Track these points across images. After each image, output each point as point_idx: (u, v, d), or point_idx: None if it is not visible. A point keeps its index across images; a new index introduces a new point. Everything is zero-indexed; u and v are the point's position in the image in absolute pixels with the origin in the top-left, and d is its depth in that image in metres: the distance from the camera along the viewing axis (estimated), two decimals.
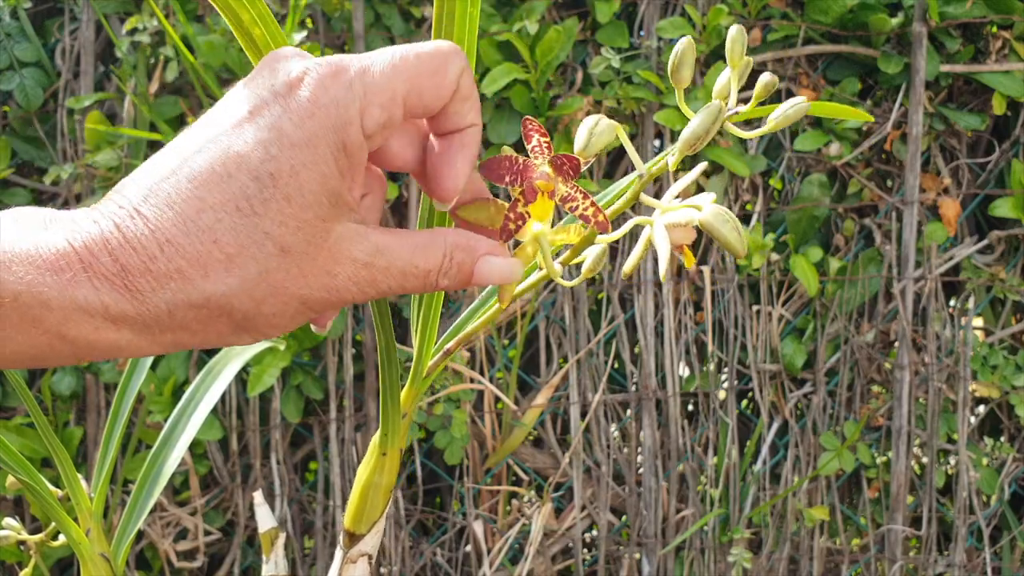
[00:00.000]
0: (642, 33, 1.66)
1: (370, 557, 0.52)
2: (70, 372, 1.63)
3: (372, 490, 0.50)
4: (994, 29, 1.65)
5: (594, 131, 0.39)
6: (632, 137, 1.65)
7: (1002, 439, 1.77)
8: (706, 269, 1.65)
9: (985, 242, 1.70)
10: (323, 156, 0.34)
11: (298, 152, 0.33)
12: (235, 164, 0.33)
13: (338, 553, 0.52)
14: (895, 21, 1.60)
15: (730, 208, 1.66)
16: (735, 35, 0.41)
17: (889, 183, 1.72)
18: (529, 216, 0.40)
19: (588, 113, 1.59)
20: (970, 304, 1.70)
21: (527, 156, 0.40)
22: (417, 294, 0.44)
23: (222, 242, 0.33)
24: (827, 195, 1.66)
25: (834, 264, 1.66)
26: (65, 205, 1.69)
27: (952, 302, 1.74)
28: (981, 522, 1.71)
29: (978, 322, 1.75)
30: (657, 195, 1.66)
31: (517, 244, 0.42)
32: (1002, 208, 1.65)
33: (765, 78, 0.41)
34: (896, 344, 1.68)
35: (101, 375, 1.64)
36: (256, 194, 0.33)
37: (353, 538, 0.52)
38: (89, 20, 1.67)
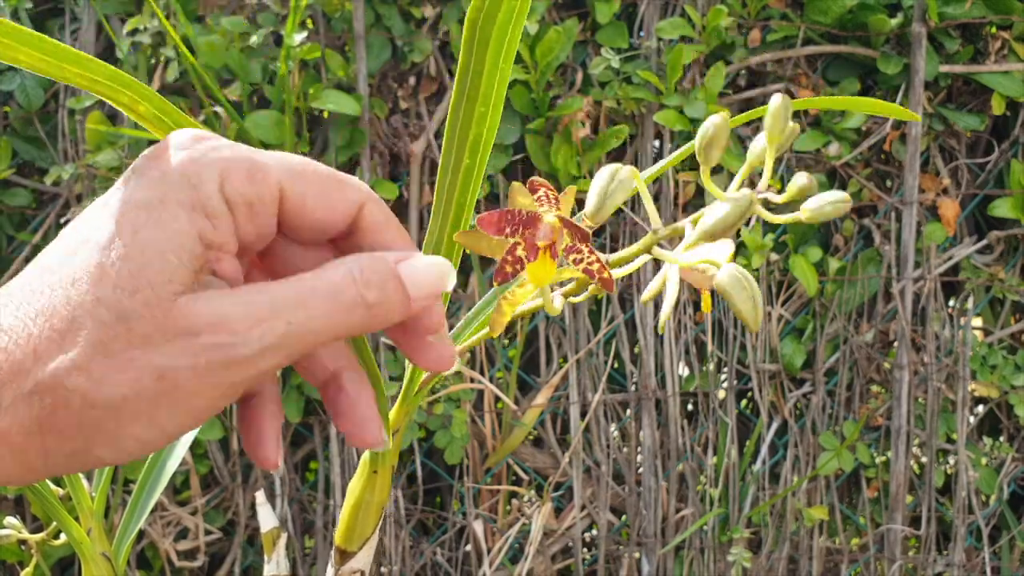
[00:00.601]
0: (642, 34, 1.66)
1: (362, 573, 0.51)
2: None
3: (363, 508, 0.50)
4: (993, 30, 1.66)
5: (608, 190, 0.36)
6: (632, 138, 1.66)
7: (1001, 439, 1.78)
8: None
9: (984, 242, 1.70)
10: (172, 214, 0.30)
11: (142, 211, 0.29)
12: (81, 241, 0.30)
13: (330, 570, 0.52)
14: (894, 21, 1.60)
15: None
16: (778, 107, 0.37)
17: (888, 183, 1.72)
18: (528, 262, 0.37)
19: (588, 114, 1.60)
20: (969, 304, 1.70)
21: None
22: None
23: (54, 320, 0.29)
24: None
25: (833, 264, 1.66)
26: (66, 205, 1.69)
27: (951, 302, 1.74)
28: (980, 522, 1.71)
29: (977, 322, 1.75)
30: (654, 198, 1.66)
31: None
32: (1001, 208, 1.65)
33: (801, 182, 0.37)
34: (895, 344, 1.69)
35: None
36: (95, 263, 0.29)
37: (344, 555, 0.51)
38: (90, 21, 1.67)
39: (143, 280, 0.29)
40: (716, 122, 0.38)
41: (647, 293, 0.42)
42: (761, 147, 0.38)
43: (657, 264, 0.43)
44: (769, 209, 0.40)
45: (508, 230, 0.37)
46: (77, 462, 0.30)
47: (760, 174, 0.38)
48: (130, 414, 0.29)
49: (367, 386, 0.37)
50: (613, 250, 1.55)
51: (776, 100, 0.37)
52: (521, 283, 0.40)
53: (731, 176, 1.65)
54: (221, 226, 0.31)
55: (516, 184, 0.38)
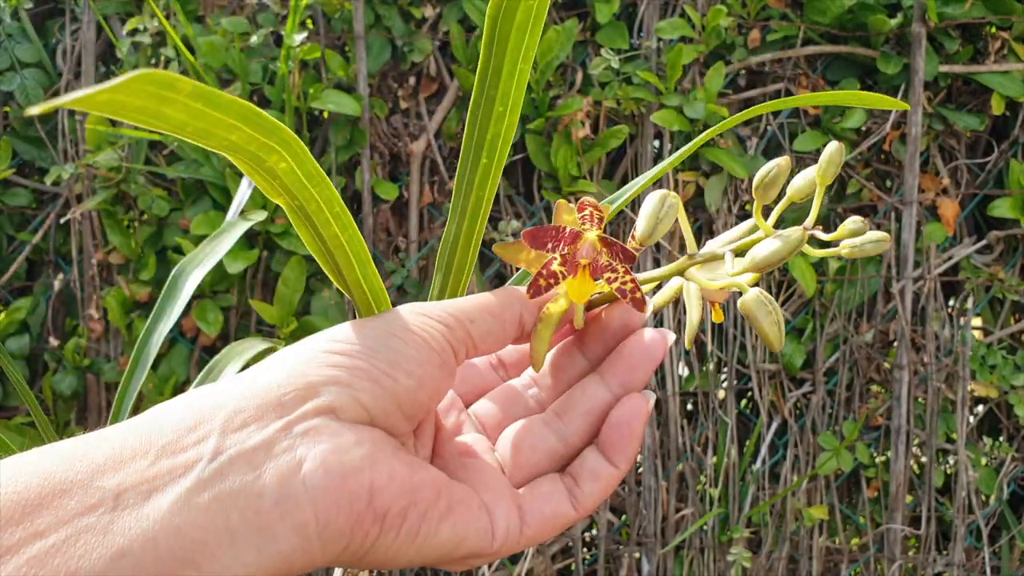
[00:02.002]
0: (642, 34, 1.66)
1: (369, 571, 0.51)
2: (71, 372, 1.64)
3: None
4: (993, 30, 1.66)
5: (660, 216, 0.38)
6: (631, 138, 1.66)
7: (1001, 439, 1.78)
8: None
9: (984, 242, 1.70)
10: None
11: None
12: None
13: (338, 571, 0.52)
14: (894, 22, 1.61)
15: (730, 209, 1.67)
16: (832, 154, 0.39)
17: (888, 183, 1.72)
18: (564, 278, 0.39)
19: (588, 114, 1.60)
20: (969, 304, 1.70)
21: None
22: None
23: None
24: (826, 195, 1.66)
25: (833, 264, 1.66)
26: (66, 205, 1.69)
27: (951, 302, 1.74)
28: (980, 521, 1.71)
29: (977, 322, 1.75)
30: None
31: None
32: (1001, 208, 1.65)
33: (853, 226, 0.39)
34: (895, 344, 1.69)
35: (102, 375, 1.65)
36: None
37: None
38: (90, 21, 1.67)
39: None
40: (780, 164, 0.40)
41: (654, 305, 0.42)
42: (807, 183, 0.39)
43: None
44: (813, 244, 0.41)
45: (550, 245, 0.38)
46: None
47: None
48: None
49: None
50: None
51: (833, 147, 0.39)
52: (554, 299, 0.41)
53: (730, 176, 1.65)
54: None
55: (562, 201, 0.40)
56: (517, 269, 0.45)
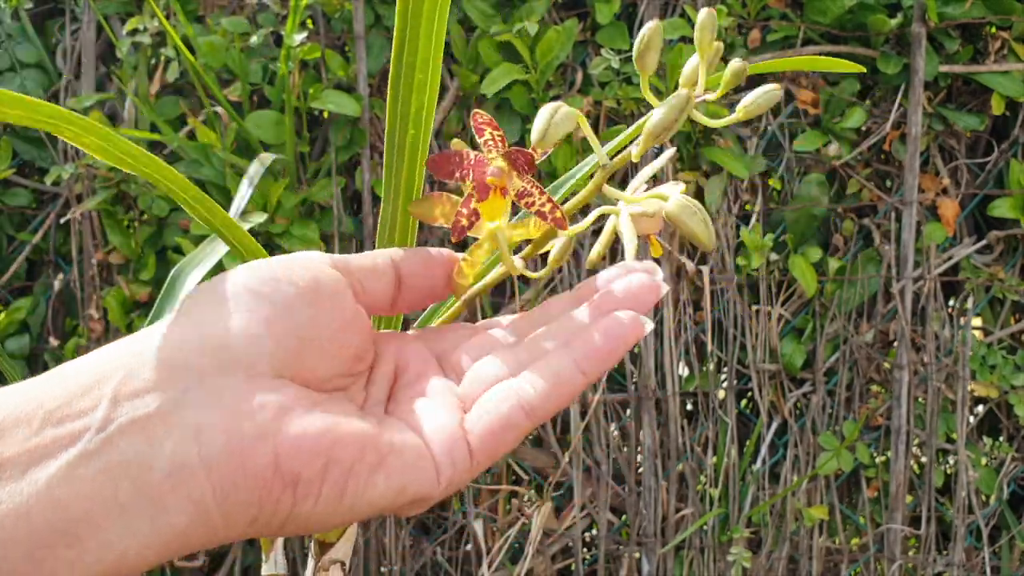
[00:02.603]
0: None
1: (343, 564, 0.51)
2: None
3: None
4: (993, 30, 1.66)
5: (552, 120, 0.37)
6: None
7: (1001, 439, 1.78)
8: (705, 269, 1.65)
9: (984, 242, 1.70)
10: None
11: None
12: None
13: (310, 563, 0.52)
14: (894, 22, 1.61)
15: (730, 209, 1.66)
16: (704, 20, 0.39)
17: (888, 183, 1.72)
18: (481, 201, 0.38)
19: (588, 114, 1.60)
20: (969, 304, 1.70)
21: (478, 150, 0.38)
22: None
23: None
24: (826, 195, 1.66)
25: (833, 264, 1.66)
26: (66, 205, 1.69)
27: (951, 302, 1.74)
28: (980, 521, 1.71)
29: (977, 322, 1.75)
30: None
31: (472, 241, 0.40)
32: (1001, 208, 1.65)
33: (735, 65, 0.39)
34: (895, 344, 1.69)
35: None
36: None
37: (323, 546, 0.51)
38: (90, 21, 1.67)
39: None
40: (651, 26, 0.39)
41: (594, 252, 0.42)
42: (696, 61, 0.39)
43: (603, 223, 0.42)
44: (710, 116, 0.41)
45: (458, 173, 0.37)
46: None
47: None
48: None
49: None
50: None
51: (703, 13, 0.39)
52: (478, 244, 0.40)
53: (730, 176, 1.65)
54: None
55: (456, 140, 0.39)
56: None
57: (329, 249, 1.60)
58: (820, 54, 1.67)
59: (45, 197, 1.74)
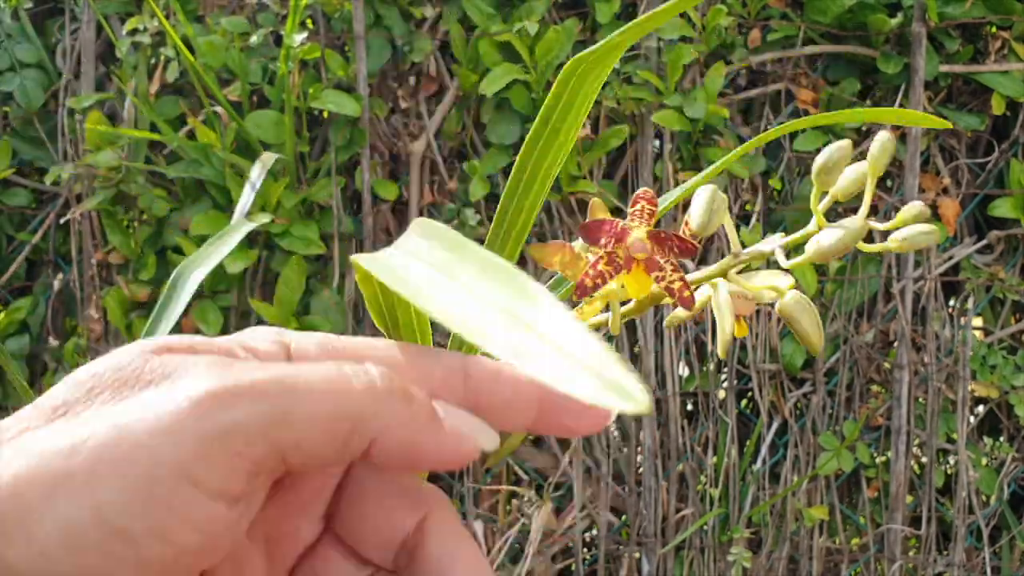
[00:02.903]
0: None
1: None
2: (71, 371, 1.63)
3: None
4: (993, 29, 1.66)
5: (713, 207, 0.36)
6: (632, 138, 1.66)
7: (1001, 439, 1.78)
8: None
9: (984, 242, 1.70)
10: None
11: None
12: None
13: None
14: (894, 21, 1.60)
15: (730, 208, 1.66)
16: (885, 144, 0.37)
17: (888, 183, 1.72)
18: (611, 277, 0.37)
19: (588, 113, 1.59)
20: (969, 304, 1.70)
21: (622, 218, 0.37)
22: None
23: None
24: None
25: (833, 264, 1.66)
26: (66, 205, 1.69)
27: (951, 302, 1.74)
28: (980, 522, 1.71)
29: (977, 322, 1.75)
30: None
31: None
32: (1001, 208, 1.65)
33: (913, 209, 0.38)
34: (895, 344, 1.69)
35: None
36: None
37: None
38: (90, 21, 1.67)
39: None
40: (843, 146, 0.38)
41: (678, 316, 0.42)
42: (857, 175, 0.38)
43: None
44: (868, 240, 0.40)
45: (603, 240, 0.37)
46: None
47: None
48: (62, 473, 0.22)
49: (466, 545, 0.27)
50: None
51: (884, 136, 0.37)
52: (589, 302, 0.40)
53: (731, 176, 1.65)
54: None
55: (596, 200, 0.39)
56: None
57: (329, 249, 1.61)
58: (820, 54, 1.67)
59: (45, 197, 1.74)
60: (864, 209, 0.37)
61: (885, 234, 0.40)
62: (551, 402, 0.26)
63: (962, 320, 1.70)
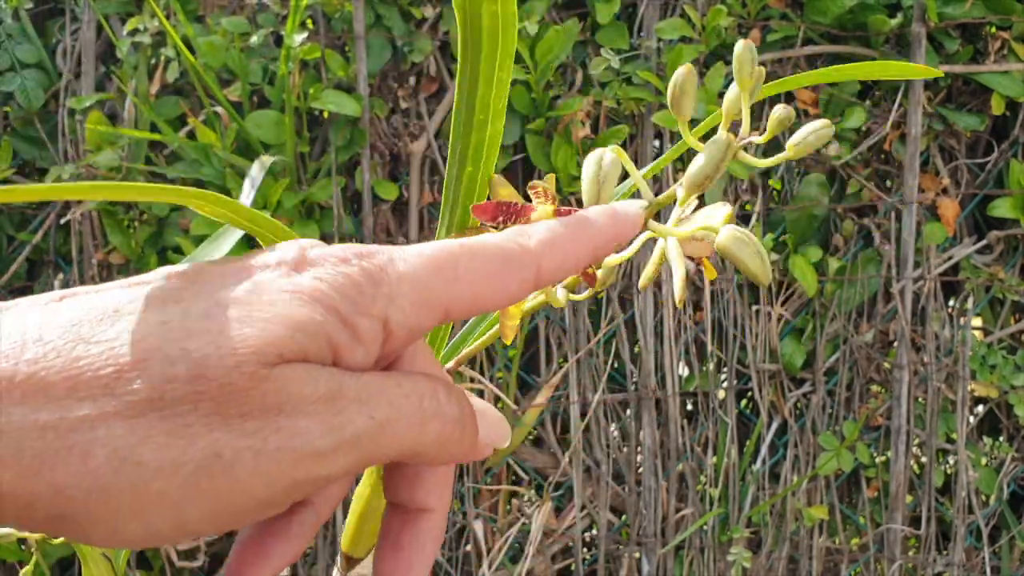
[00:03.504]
0: (642, 34, 1.66)
1: None
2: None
3: (370, 514, 0.49)
4: (993, 30, 1.66)
5: (600, 178, 0.35)
6: (631, 137, 1.66)
7: (1001, 439, 1.78)
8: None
9: (984, 242, 1.70)
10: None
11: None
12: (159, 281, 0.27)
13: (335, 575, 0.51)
14: (894, 22, 1.61)
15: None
16: (741, 52, 0.36)
17: (888, 183, 1.72)
18: None
19: (588, 114, 1.60)
20: (969, 304, 1.70)
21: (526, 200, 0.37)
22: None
23: (98, 354, 0.24)
24: (826, 195, 1.66)
25: (833, 264, 1.66)
26: (66, 205, 1.69)
27: (951, 302, 1.74)
28: (980, 521, 1.71)
29: (977, 322, 1.75)
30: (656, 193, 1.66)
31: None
32: (1001, 208, 1.65)
33: (779, 112, 0.37)
34: (895, 344, 1.69)
35: None
36: (178, 308, 0.25)
37: (351, 561, 0.50)
38: (90, 21, 1.67)
39: (239, 339, 0.23)
40: (683, 72, 0.36)
41: (644, 277, 0.41)
42: (735, 94, 0.37)
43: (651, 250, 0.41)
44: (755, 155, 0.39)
45: (501, 218, 0.36)
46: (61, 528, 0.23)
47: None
48: (156, 492, 0.22)
49: (436, 536, 0.31)
50: None
51: (739, 46, 0.36)
52: None
53: (730, 176, 1.65)
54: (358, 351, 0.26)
55: (496, 176, 0.38)
56: None
57: None
58: (820, 55, 1.67)
59: None
60: (744, 126, 0.36)
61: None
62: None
63: (962, 320, 1.70)
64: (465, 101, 0.41)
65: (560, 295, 0.39)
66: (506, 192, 0.37)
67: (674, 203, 0.39)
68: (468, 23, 0.39)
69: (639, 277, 1.68)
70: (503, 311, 0.39)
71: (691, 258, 0.38)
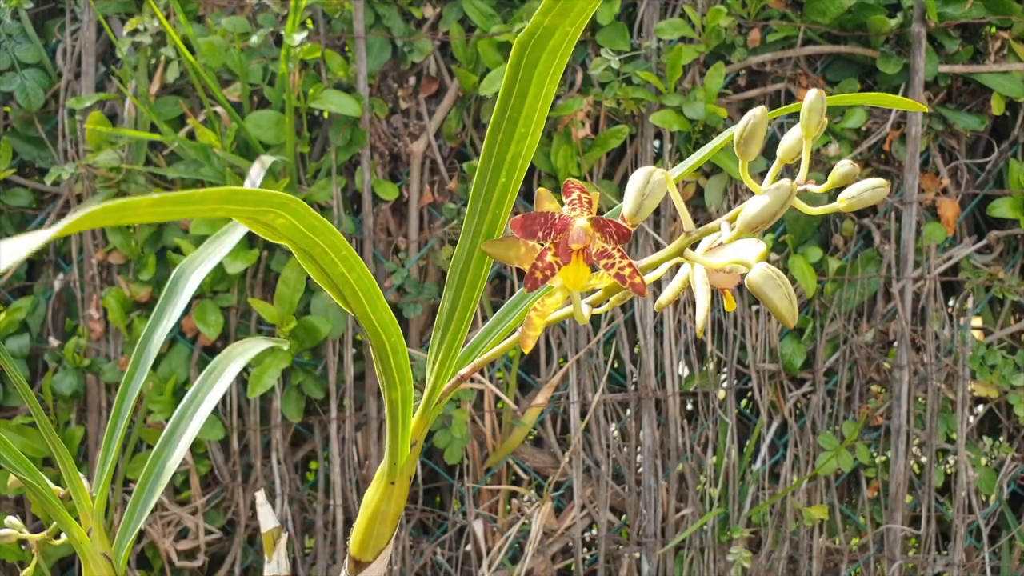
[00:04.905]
0: (642, 34, 1.66)
1: None
2: (71, 372, 1.64)
3: (379, 518, 0.49)
4: (993, 30, 1.66)
5: (645, 192, 0.36)
6: (631, 138, 1.66)
7: (1001, 439, 1.78)
8: None
9: (984, 242, 1.71)
10: None
11: None
12: None
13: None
14: (894, 22, 1.61)
15: (730, 208, 1.67)
16: (814, 101, 0.36)
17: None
18: (559, 267, 0.37)
19: (588, 114, 1.60)
20: (969, 304, 1.70)
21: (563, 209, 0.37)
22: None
23: None
24: (826, 195, 1.66)
25: (833, 264, 1.66)
26: (66, 205, 1.69)
27: (951, 302, 1.74)
28: (980, 521, 1.71)
29: (977, 322, 1.76)
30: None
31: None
32: (1001, 208, 1.66)
33: (845, 168, 0.37)
34: (895, 344, 1.69)
35: (103, 375, 1.65)
36: None
37: (359, 565, 0.50)
38: (90, 21, 1.67)
39: None
40: (756, 115, 0.37)
41: (665, 298, 0.41)
42: (795, 140, 0.38)
43: (675, 267, 0.41)
44: (806, 202, 0.39)
45: (540, 234, 0.37)
46: None
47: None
48: None
49: None
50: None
51: (812, 95, 0.37)
52: (549, 293, 0.39)
53: (730, 177, 1.65)
54: None
55: (543, 190, 0.38)
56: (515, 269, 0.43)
57: None
58: (820, 54, 1.67)
59: (45, 197, 1.74)
60: (802, 173, 0.37)
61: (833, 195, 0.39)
62: None
63: (961, 320, 1.70)
64: (508, 115, 0.40)
65: (585, 311, 0.39)
66: (552, 206, 0.37)
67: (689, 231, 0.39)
68: (532, 41, 0.39)
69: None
70: (526, 321, 0.39)
71: (714, 288, 0.39)
